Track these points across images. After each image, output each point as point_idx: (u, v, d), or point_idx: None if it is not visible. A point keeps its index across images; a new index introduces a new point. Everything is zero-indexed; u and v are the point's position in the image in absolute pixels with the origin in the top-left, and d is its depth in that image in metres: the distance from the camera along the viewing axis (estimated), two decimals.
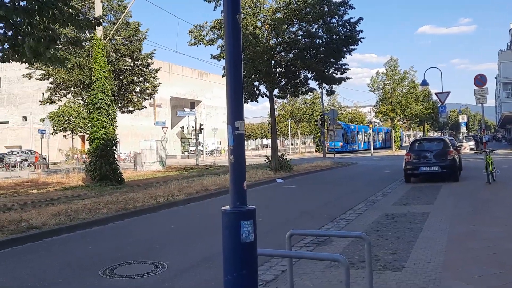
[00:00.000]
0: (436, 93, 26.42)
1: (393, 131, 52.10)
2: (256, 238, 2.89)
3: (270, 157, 21.26)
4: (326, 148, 36.83)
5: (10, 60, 8.12)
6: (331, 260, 4.79)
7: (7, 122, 55.75)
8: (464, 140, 40.01)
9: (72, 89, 22.44)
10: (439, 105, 28.60)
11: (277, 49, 20.32)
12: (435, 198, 10.85)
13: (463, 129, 53.57)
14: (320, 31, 20.03)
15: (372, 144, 48.20)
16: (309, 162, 26.50)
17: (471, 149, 36.91)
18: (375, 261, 5.37)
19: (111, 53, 21.05)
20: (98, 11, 17.18)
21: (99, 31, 16.55)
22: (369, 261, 3.84)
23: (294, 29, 20.39)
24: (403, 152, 21.44)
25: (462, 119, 53.18)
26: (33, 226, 8.04)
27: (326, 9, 18.97)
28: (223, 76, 21.26)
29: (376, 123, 64.84)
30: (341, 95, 71.92)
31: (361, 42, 19.87)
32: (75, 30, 15.40)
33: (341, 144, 48.05)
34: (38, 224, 8.12)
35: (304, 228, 7.53)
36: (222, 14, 19.12)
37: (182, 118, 63.88)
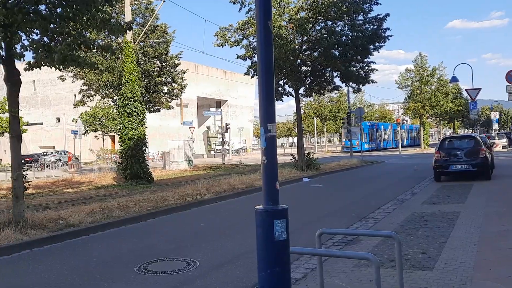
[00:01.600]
0: (466, 90, 25.86)
1: (422, 128, 51.11)
2: (288, 236, 2.99)
3: (296, 156, 21.28)
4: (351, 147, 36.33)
5: (42, 66, 8.48)
6: (362, 259, 4.87)
7: (41, 124, 57.65)
8: (496, 138, 38.89)
9: (102, 90, 23.06)
10: (469, 101, 27.93)
11: (303, 47, 20.33)
12: (466, 197, 10.67)
13: (495, 126, 52.03)
14: (346, 28, 19.94)
15: (400, 142, 47.37)
16: (336, 161, 26.36)
17: (503, 147, 35.86)
18: (405, 261, 5.37)
19: (139, 55, 21.52)
20: (128, 15, 17.62)
21: (128, 34, 16.97)
22: (399, 260, 3.88)
23: (319, 28, 20.35)
24: (432, 150, 21.08)
25: (494, 115, 51.66)
26: (71, 224, 8.38)
27: (351, 7, 18.82)
28: (245, 75, 21.46)
29: (404, 121, 63.61)
30: (368, 92, 71.41)
31: (388, 39, 19.66)
32: (107, 34, 15.86)
33: (357, 142, 45.94)
34: (75, 222, 8.46)
35: (332, 227, 7.57)
36: (247, 15, 19.36)
37: (208, 117, 64.53)
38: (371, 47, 19.83)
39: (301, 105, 25.31)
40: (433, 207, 9.56)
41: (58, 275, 5.75)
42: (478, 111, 26.89)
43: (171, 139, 34.78)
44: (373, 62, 21.10)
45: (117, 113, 19.98)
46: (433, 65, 48.46)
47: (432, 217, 8.31)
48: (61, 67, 8.59)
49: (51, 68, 8.63)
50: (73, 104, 27.30)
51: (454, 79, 26.93)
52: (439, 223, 7.66)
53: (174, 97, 26.76)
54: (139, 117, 17.40)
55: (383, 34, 19.51)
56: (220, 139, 43.83)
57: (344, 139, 51.66)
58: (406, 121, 67.12)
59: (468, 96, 27.77)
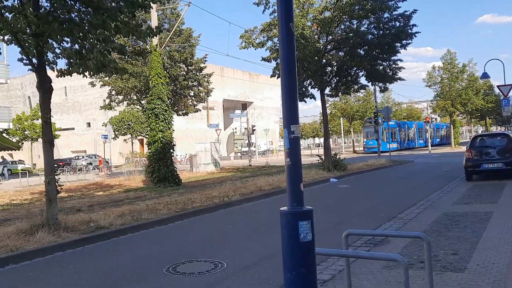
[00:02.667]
0: (498, 86, 25.07)
1: (452, 126, 49.83)
2: (314, 238, 2.99)
3: (323, 157, 21.12)
4: (379, 147, 35.56)
5: (77, 73, 8.78)
6: (389, 260, 4.79)
7: (73, 129, 59.36)
8: None
9: (129, 96, 23.53)
10: (502, 98, 27.07)
11: (327, 47, 20.20)
12: (499, 197, 10.35)
13: None
14: (372, 27, 19.72)
15: (429, 141, 46.30)
16: (363, 161, 26.02)
17: None
18: (435, 262, 5.27)
19: (165, 59, 21.86)
20: (154, 21, 17.92)
21: (155, 39, 17.26)
22: (428, 261, 3.81)
23: (343, 27, 20.17)
24: (463, 148, 20.56)
25: None
26: (101, 226, 8.59)
27: (376, 4, 18.57)
28: (271, 77, 21.50)
29: (434, 119, 62.06)
30: (395, 91, 70.20)
31: (415, 36, 19.30)
32: (134, 39, 16.22)
33: (378, 142, 45.13)
34: (105, 225, 8.67)
35: (360, 227, 7.49)
36: (271, 17, 19.38)
37: (234, 119, 64.90)
38: (398, 44, 19.53)
39: (327, 105, 25.12)
40: (464, 207, 9.32)
41: (90, 276, 5.90)
42: (511, 108, 26.05)
43: (198, 142, 35.14)
44: (400, 60, 20.79)
45: (145, 116, 20.35)
46: (463, 62, 47.21)
47: (463, 217, 8.11)
48: (93, 73, 8.87)
49: (82, 74, 8.91)
50: (100, 106, 27.93)
51: (485, 76, 26.16)
52: (471, 224, 7.46)
53: (200, 100, 27.04)
54: (166, 120, 17.67)
55: (410, 31, 19.17)
56: (246, 141, 44.00)
57: (364, 139, 49.98)
58: (436, 119, 65.59)
59: (500, 93, 26.94)
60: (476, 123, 77.33)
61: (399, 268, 4.84)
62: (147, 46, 18.70)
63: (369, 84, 23.09)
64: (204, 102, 29.51)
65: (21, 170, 33.35)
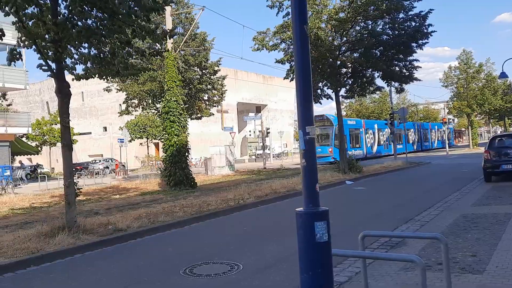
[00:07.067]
0: None
1: (470, 127, 49.08)
2: (330, 238, 2.99)
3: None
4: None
5: (93, 77, 8.96)
6: (406, 261, 4.75)
7: (90, 133, 60.21)
8: None
9: (145, 100, 23.77)
10: None
11: (342, 49, 20.11)
12: None
13: None
14: (387, 27, 19.60)
15: (447, 142, 45.55)
16: (379, 163, 25.81)
17: None
18: (454, 264, 5.21)
19: (180, 63, 22.03)
20: (169, 24, 18.10)
21: (169, 43, 17.43)
22: (446, 263, 3.77)
23: (358, 28, 20.08)
24: (482, 149, 20.26)
25: None
26: (119, 228, 8.69)
27: (391, 5, 18.47)
28: (284, 79, 21.50)
29: (450, 120, 61.15)
30: (412, 92, 69.50)
31: (431, 36, 19.12)
32: (150, 42, 16.48)
33: (330, 150, 31.31)
34: (123, 227, 8.76)
35: (377, 230, 7.42)
36: (284, 19, 19.39)
37: (249, 122, 65.00)
38: (414, 44, 19.37)
39: (342, 106, 24.98)
40: (483, 208, 9.18)
41: (108, 278, 5.99)
42: None
43: (213, 145, 35.27)
44: (416, 60, 20.61)
45: (160, 120, 20.53)
46: (480, 61, 46.51)
47: (482, 219, 7.99)
48: (114, 76, 9.09)
49: (101, 78, 9.08)
50: (118, 113, 28.33)
51: (503, 75, 25.71)
52: (490, 225, 7.35)
53: (214, 104, 27.15)
54: (181, 124, 17.80)
55: (425, 31, 19.00)
56: (261, 144, 44.02)
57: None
58: (453, 120, 64.67)
59: None
60: (495, 123, 76.04)
61: (417, 269, 4.81)
62: (163, 48, 18.87)
63: (385, 85, 22.92)
64: (218, 106, 29.64)
65: (40, 174, 33.90)
